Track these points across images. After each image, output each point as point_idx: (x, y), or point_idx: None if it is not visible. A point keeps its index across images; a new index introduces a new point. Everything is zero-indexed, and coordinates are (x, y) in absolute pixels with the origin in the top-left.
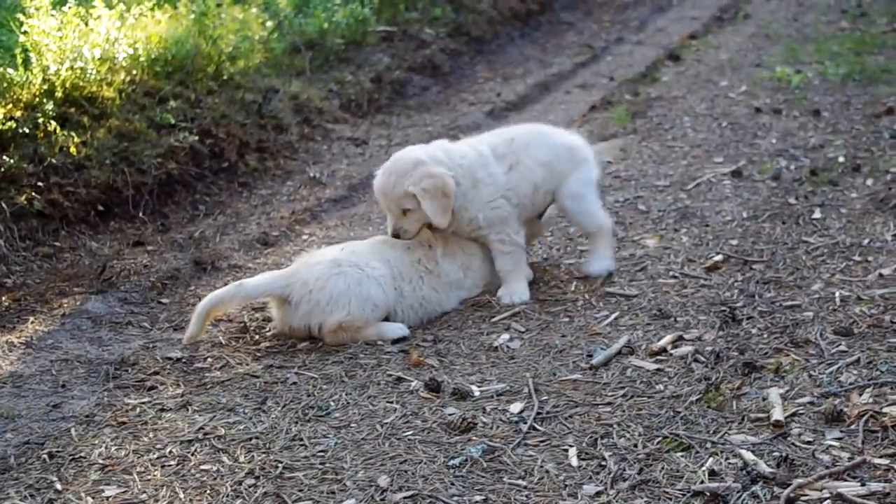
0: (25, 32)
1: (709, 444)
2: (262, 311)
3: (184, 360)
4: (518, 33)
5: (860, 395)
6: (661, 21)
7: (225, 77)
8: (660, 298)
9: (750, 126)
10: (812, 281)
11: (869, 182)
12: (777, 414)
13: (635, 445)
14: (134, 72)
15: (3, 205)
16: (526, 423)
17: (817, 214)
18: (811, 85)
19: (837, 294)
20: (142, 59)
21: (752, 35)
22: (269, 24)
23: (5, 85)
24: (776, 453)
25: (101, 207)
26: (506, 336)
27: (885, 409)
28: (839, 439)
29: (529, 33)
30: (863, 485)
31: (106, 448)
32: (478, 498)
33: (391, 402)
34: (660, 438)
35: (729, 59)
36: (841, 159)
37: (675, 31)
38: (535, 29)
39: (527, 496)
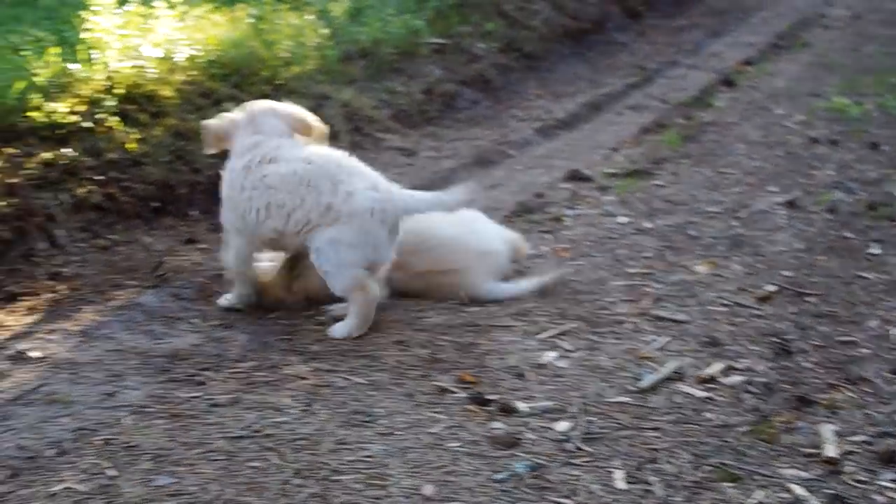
0: (89, 29)
1: (758, 477)
2: (310, 313)
3: (233, 358)
4: (570, 51)
5: None
6: (716, 46)
7: (279, 82)
8: (710, 326)
9: (805, 156)
10: (868, 317)
11: None
12: (830, 450)
13: (682, 473)
14: (192, 72)
15: (64, 197)
16: (572, 442)
17: (875, 250)
18: (870, 117)
19: (893, 333)
20: (199, 59)
21: (810, 64)
22: (324, 31)
23: (69, 80)
24: (828, 490)
25: (155, 203)
26: (553, 354)
27: None
28: (895, 481)
29: (581, 52)
30: None
31: (158, 439)
32: None
33: (437, 413)
34: (708, 467)
35: (785, 87)
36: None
37: (730, 57)
38: (587, 48)
39: None
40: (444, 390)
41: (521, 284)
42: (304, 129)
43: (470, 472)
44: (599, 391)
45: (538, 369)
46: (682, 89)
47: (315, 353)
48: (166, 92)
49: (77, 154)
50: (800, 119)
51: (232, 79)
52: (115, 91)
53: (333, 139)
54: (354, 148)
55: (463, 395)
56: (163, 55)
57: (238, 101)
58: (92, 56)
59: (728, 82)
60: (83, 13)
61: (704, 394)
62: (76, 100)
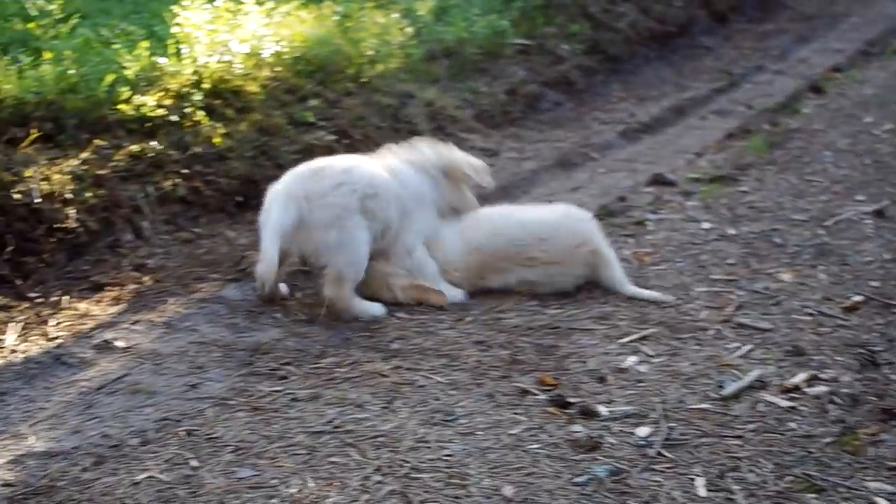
0: (178, 24)
1: (842, 489)
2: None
3: (314, 354)
4: (655, 54)
5: None
6: (804, 51)
7: (363, 80)
8: (794, 335)
9: (894, 165)
10: None
11: None
12: None
13: (765, 482)
14: (277, 68)
15: (150, 189)
16: (653, 447)
17: None
18: None
19: None
20: (286, 56)
21: None
22: (409, 30)
23: (157, 74)
24: None
25: (239, 198)
26: (634, 358)
27: None
28: None
29: (666, 55)
30: None
31: (239, 431)
32: None
33: (517, 414)
34: (791, 477)
35: (874, 94)
36: None
37: (818, 63)
38: (672, 51)
39: None
40: (524, 392)
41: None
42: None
43: (550, 474)
44: (681, 397)
45: (619, 373)
46: (769, 95)
47: (395, 350)
48: (252, 88)
49: (163, 147)
50: (889, 128)
51: (317, 76)
52: (203, 86)
53: (415, 137)
54: None
55: (543, 397)
56: (250, 51)
57: (322, 97)
58: (180, 50)
59: (816, 89)
60: (174, 8)
61: (788, 403)
62: (164, 93)
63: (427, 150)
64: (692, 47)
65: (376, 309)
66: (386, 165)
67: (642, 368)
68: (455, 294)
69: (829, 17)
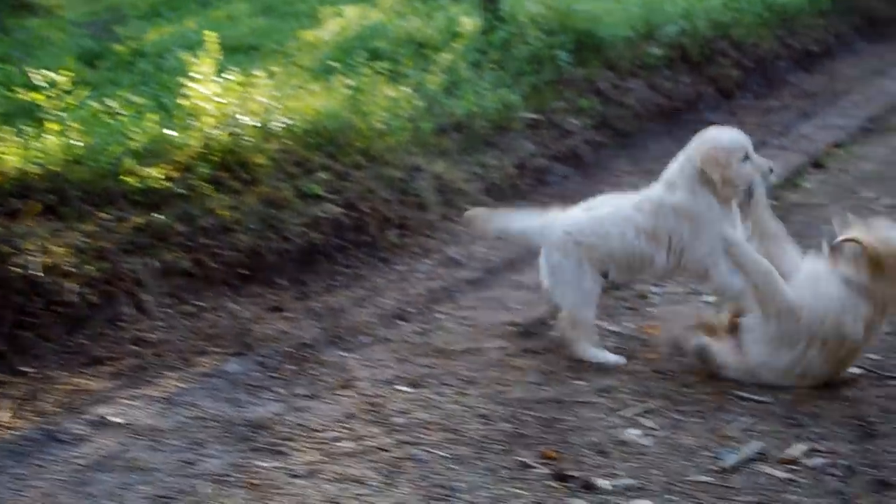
0: (187, 96)
1: None
2: (391, 385)
3: (314, 429)
4: (662, 129)
5: None
6: (806, 128)
7: (373, 153)
8: (793, 406)
9: None
10: None
11: None
12: None
13: None
14: (286, 141)
15: (152, 262)
16: None
17: None
18: None
19: None
20: (295, 129)
21: None
22: (419, 103)
23: (164, 145)
24: None
25: (244, 271)
26: (636, 431)
27: None
28: None
29: (673, 130)
30: None
31: None
32: None
33: (519, 489)
34: None
35: (875, 169)
36: None
37: (819, 139)
38: (679, 126)
39: None
40: (526, 466)
41: None
42: None
43: None
44: (681, 470)
45: (621, 446)
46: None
47: (398, 425)
48: (260, 160)
49: (168, 220)
50: (888, 202)
51: (326, 148)
52: (210, 158)
53: (424, 210)
54: (445, 220)
55: (545, 470)
56: (259, 124)
57: (331, 170)
58: (188, 122)
59: (817, 164)
60: (182, 79)
61: (786, 475)
62: (170, 166)
63: None
64: (698, 122)
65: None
66: None
67: (644, 441)
68: None
69: (830, 94)
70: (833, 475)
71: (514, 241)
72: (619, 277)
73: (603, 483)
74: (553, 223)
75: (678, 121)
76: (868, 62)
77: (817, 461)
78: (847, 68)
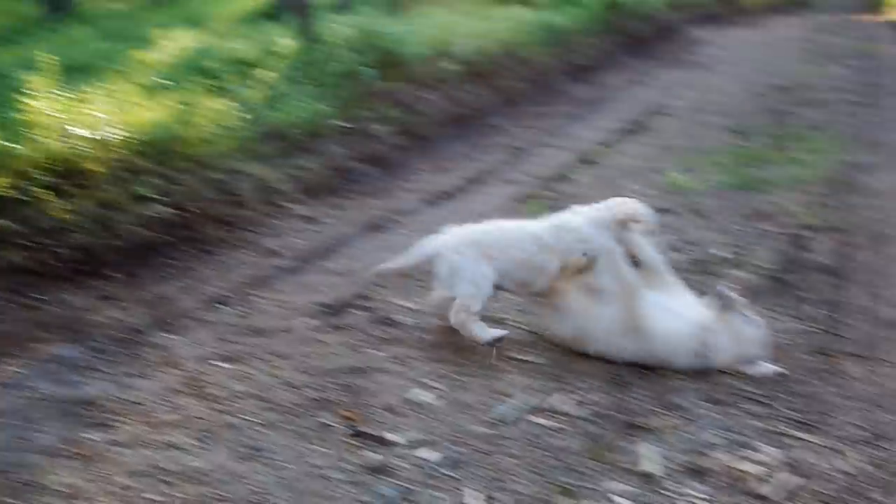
0: (25, 111)
1: (588, 491)
2: (210, 362)
3: (140, 403)
4: (455, 133)
5: (721, 453)
6: (578, 130)
7: (199, 159)
8: (558, 365)
9: None
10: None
11: (742, 274)
12: (650, 467)
13: (528, 491)
14: (121, 150)
15: None
16: (436, 469)
17: None
18: (699, 189)
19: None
20: (129, 140)
21: (653, 145)
22: (242, 115)
23: (5, 157)
24: (647, 502)
25: (81, 267)
26: (423, 392)
27: (741, 467)
28: (701, 491)
29: (464, 134)
30: None
31: (66, 478)
32: None
33: (320, 447)
34: (550, 485)
35: (632, 164)
36: (720, 253)
37: (588, 139)
38: (469, 130)
39: None
40: (327, 426)
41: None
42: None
43: (347, 497)
44: (462, 423)
45: (410, 405)
46: (547, 166)
47: (215, 396)
48: (96, 167)
49: (9, 223)
50: (644, 192)
51: (157, 156)
52: (48, 167)
53: (245, 208)
54: (263, 215)
55: (344, 430)
56: (94, 135)
57: (161, 175)
58: (28, 135)
59: (587, 160)
60: (19, 96)
61: (552, 423)
62: (11, 174)
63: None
64: (485, 126)
65: None
66: None
67: (431, 400)
68: None
69: (598, 101)
70: (592, 421)
71: (419, 268)
72: (510, 286)
73: (394, 438)
74: (449, 236)
75: (469, 126)
76: (629, 74)
77: (576, 409)
78: (612, 79)
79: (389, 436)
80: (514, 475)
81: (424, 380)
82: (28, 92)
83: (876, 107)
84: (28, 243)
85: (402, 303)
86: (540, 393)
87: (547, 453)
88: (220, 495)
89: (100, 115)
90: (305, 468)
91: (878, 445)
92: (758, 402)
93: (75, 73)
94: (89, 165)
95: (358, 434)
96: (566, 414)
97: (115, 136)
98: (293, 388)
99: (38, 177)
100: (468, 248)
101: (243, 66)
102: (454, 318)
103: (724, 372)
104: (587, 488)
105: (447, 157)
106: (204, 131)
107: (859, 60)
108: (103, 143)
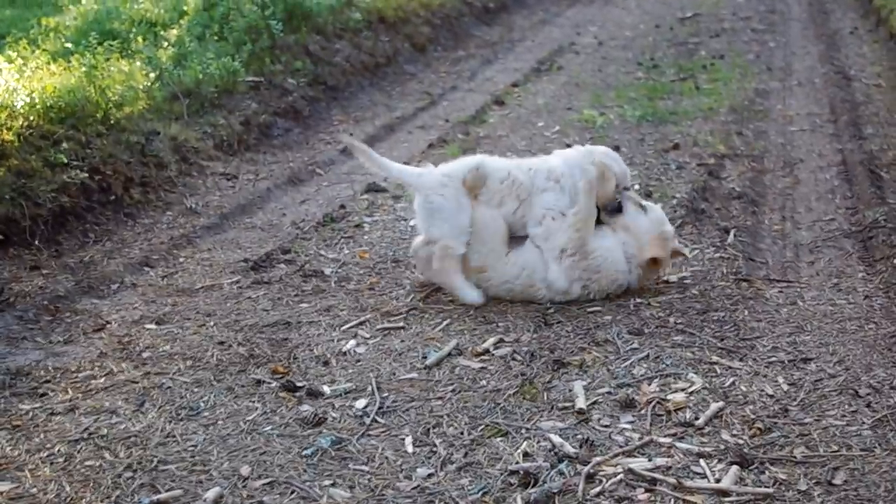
0: None
1: (523, 430)
2: (139, 325)
3: (72, 370)
4: (368, 82)
5: (649, 384)
6: (489, 72)
7: (112, 122)
8: (484, 308)
9: None
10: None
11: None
12: (580, 403)
13: (462, 433)
14: (31, 117)
15: None
16: (369, 416)
17: None
18: (612, 125)
19: (632, 301)
20: (38, 106)
21: (564, 84)
22: (152, 75)
23: None
24: (579, 436)
25: (2, 237)
26: (353, 342)
27: (668, 397)
28: (631, 423)
29: (377, 82)
30: (650, 460)
31: (4, 450)
32: (327, 482)
33: (253, 402)
34: (482, 426)
35: (545, 103)
36: (636, 186)
37: (500, 80)
38: (382, 79)
39: (369, 479)
40: (259, 382)
41: None
42: None
43: (282, 450)
44: (392, 370)
45: (340, 356)
46: (462, 110)
47: (146, 358)
48: (7, 136)
49: None
50: (557, 129)
51: (69, 121)
52: None
53: (163, 169)
54: (182, 175)
55: (276, 384)
56: (3, 104)
57: (75, 140)
58: None
59: (499, 102)
60: None
61: (480, 365)
62: None
63: None
64: (399, 74)
65: None
66: None
67: (360, 350)
68: None
69: (508, 42)
70: (518, 360)
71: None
72: None
73: (325, 389)
74: (430, 172)
75: (381, 74)
76: (537, 14)
77: (505, 350)
78: (521, 20)
79: (322, 387)
80: (448, 418)
81: (353, 330)
82: None
83: (781, 34)
84: None
85: (326, 254)
86: (467, 336)
87: (479, 395)
88: (158, 457)
89: (7, 83)
90: (241, 425)
91: (800, 367)
92: (683, 332)
93: None
94: (1, 135)
95: (290, 388)
96: (493, 355)
97: (26, 104)
98: (223, 346)
99: None
100: (451, 184)
101: (150, 27)
102: (437, 264)
103: (649, 304)
104: (523, 427)
105: (362, 107)
106: (113, 94)
107: None
108: (14, 112)
